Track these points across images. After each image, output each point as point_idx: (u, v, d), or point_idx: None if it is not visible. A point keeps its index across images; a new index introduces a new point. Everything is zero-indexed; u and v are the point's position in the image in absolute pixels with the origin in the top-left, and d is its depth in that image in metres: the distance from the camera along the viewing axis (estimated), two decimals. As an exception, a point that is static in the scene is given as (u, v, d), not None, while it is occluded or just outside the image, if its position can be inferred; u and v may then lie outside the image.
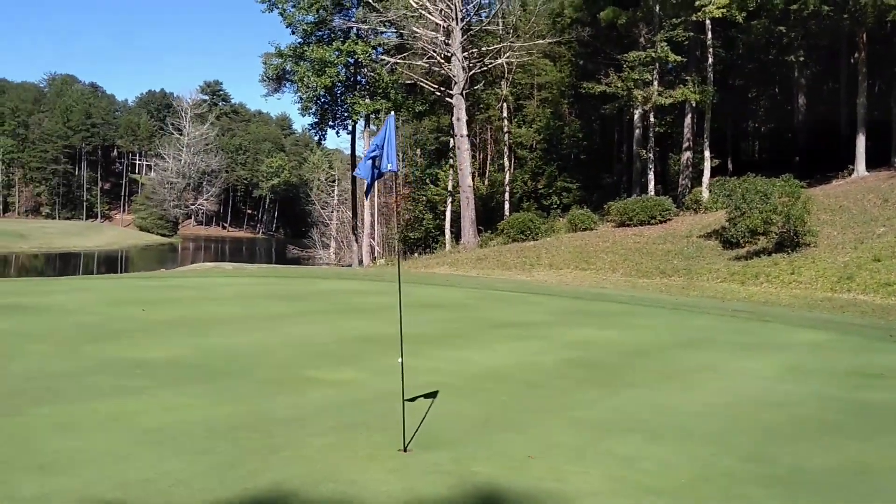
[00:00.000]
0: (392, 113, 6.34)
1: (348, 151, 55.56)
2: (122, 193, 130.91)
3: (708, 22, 37.72)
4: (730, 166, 46.22)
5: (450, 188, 48.85)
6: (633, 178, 44.26)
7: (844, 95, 41.84)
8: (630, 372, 9.85)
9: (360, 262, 47.60)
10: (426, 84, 44.54)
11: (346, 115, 47.92)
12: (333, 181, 75.62)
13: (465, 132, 41.96)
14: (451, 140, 46.68)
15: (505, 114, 51.58)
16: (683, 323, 15.87)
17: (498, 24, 44.55)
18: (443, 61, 42.44)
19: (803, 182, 32.41)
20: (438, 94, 44.51)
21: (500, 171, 53.15)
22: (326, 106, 48.40)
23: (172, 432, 6.22)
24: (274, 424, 6.58)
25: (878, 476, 5.85)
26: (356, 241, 50.54)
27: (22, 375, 8.21)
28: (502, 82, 49.71)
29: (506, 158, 51.96)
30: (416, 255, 46.05)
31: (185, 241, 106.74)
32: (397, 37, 45.45)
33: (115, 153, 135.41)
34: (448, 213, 48.77)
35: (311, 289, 20.66)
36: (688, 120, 41.49)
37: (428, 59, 42.97)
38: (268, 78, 48.62)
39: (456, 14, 41.29)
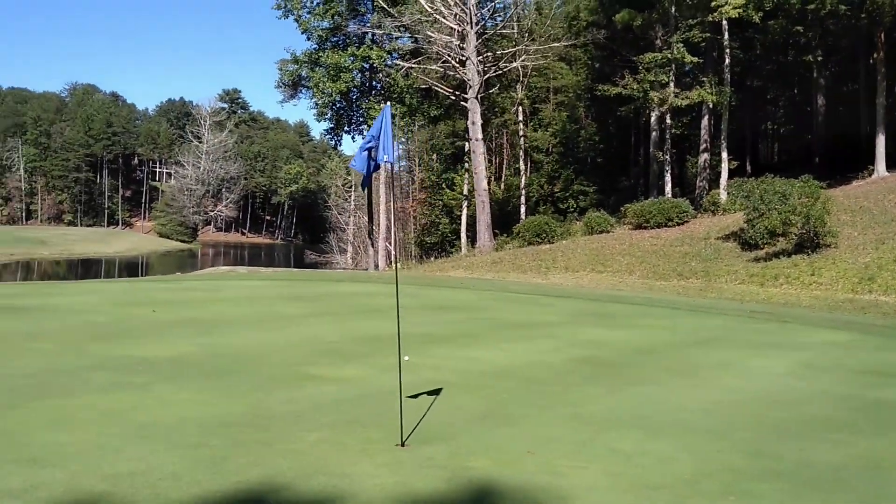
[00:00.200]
0: (387, 103, 6.22)
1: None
2: (143, 200, 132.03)
3: (724, 22, 37.39)
4: (748, 168, 45.79)
5: (465, 192, 48.77)
6: (650, 181, 43.95)
7: (864, 96, 41.34)
8: (638, 370, 9.68)
9: (377, 266, 47.59)
10: (441, 88, 44.51)
11: (361, 120, 48.00)
12: (350, 187, 75.84)
13: (480, 136, 41.85)
14: (467, 144, 46.58)
15: (520, 117, 51.43)
16: (698, 323, 15.66)
17: (513, 28, 44.43)
18: (458, 65, 42.39)
19: (823, 183, 32.01)
20: (453, 98, 44.46)
21: (516, 175, 52.98)
22: (342, 111, 48.51)
23: (166, 427, 6.15)
24: (270, 420, 6.50)
25: (889, 472, 5.67)
26: (372, 245, 50.54)
27: (23, 372, 8.19)
28: (517, 86, 49.58)
29: (521, 162, 51.81)
30: (432, 259, 45.98)
31: (205, 247, 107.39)
32: (412, 41, 45.48)
33: (136, 161, 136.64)
34: (464, 217, 48.67)
35: (323, 291, 20.63)
36: (705, 121, 41.13)
37: (443, 63, 42.93)
38: (283, 84, 48.84)
39: (471, 18, 41.24)
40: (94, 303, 15.24)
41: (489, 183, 46.34)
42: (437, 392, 7.68)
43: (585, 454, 5.79)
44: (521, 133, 51.69)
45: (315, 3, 45.53)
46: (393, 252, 52.51)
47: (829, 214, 27.10)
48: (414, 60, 44.26)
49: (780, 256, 27.21)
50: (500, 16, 46.76)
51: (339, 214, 73.72)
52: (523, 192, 50.08)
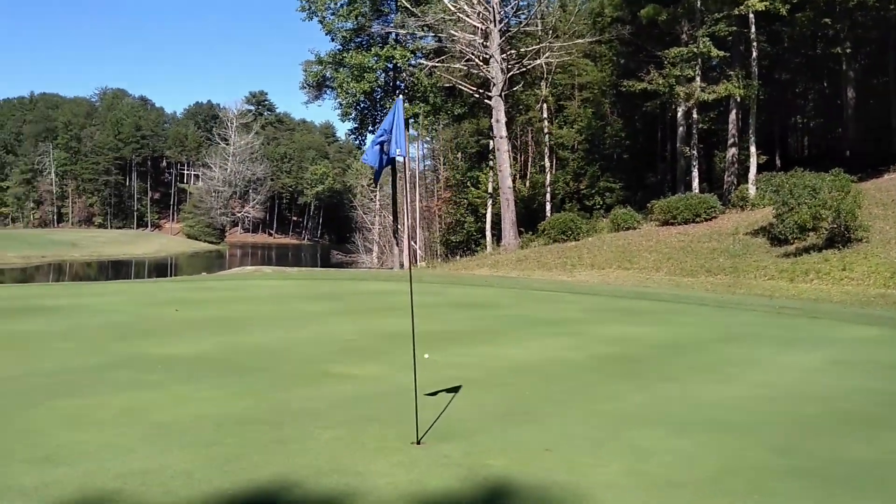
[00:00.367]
0: (400, 96, 6.09)
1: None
2: (171, 203, 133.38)
3: (751, 15, 36.85)
4: (777, 162, 45.11)
5: (490, 190, 48.59)
6: (678, 177, 43.44)
7: (894, 88, 40.50)
8: (663, 366, 9.49)
9: (401, 265, 47.58)
10: (465, 87, 44.36)
11: (385, 119, 47.96)
12: (376, 187, 75.96)
13: (504, 134, 41.66)
14: (491, 142, 46.39)
15: (545, 115, 51.13)
16: (726, 319, 15.38)
17: (537, 25, 44.14)
18: (481, 64, 42.22)
19: (853, 176, 31.45)
20: (477, 96, 44.28)
21: (542, 173, 52.67)
22: (366, 111, 48.55)
23: (181, 426, 6.10)
24: (286, 418, 6.42)
25: (923, 470, 5.45)
26: (397, 244, 50.54)
27: (44, 371, 8.20)
28: (542, 83, 49.30)
29: (547, 160, 51.50)
30: (457, 257, 45.84)
31: (233, 247, 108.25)
32: (436, 41, 45.39)
33: (164, 163, 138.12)
34: (489, 216, 48.49)
35: (345, 289, 20.60)
36: (732, 116, 40.57)
37: (466, 61, 42.78)
38: (308, 85, 49.02)
39: (494, 16, 41.05)
40: (119, 303, 15.33)
41: (514, 181, 46.11)
42: (456, 389, 7.56)
43: (606, 451, 5.63)
44: (545, 130, 51.39)
45: (339, 4, 45.60)
46: (412, 249, 52.46)
47: (860, 208, 26.58)
48: (437, 59, 44.16)
49: (810, 251, 26.73)
50: (523, 13, 46.55)
51: (365, 214, 73.87)
52: (548, 189, 49.77)
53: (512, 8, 44.75)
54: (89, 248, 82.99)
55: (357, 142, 53.12)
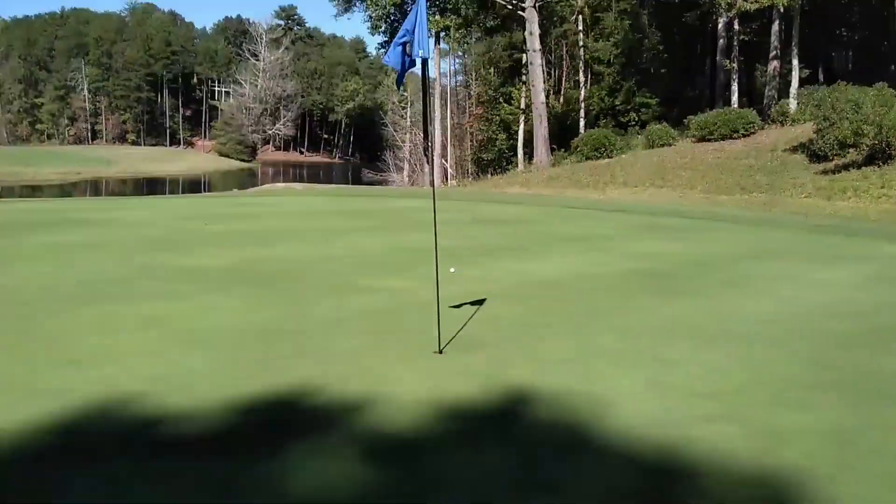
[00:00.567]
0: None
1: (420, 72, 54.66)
2: (203, 120, 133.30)
3: (799, -81, 35.00)
4: (820, 77, 43.57)
5: (523, 106, 47.70)
6: (717, 92, 42.23)
7: (950, -3, 38.54)
8: (693, 282, 9.35)
9: (432, 184, 47.33)
10: (498, -3, 43.06)
11: (416, 32, 46.93)
12: (407, 104, 75.06)
13: (537, 47, 40.58)
14: (524, 56, 45.27)
15: (580, 27, 49.60)
16: (760, 236, 15.10)
17: (573, -69, 42.42)
18: (515, -27, 40.87)
19: (899, 91, 30.23)
20: (510, 7, 42.97)
21: (576, 88, 51.43)
22: (396, 24, 47.47)
23: (207, 333, 6.16)
24: (310, 327, 6.45)
25: (957, 384, 5.32)
26: (428, 162, 50.20)
27: (74, 281, 8.31)
28: (577, -7, 47.67)
29: (581, 74, 50.22)
30: (488, 175, 45.43)
31: (264, 165, 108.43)
32: (468, -52, 43.90)
33: (195, 80, 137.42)
34: (521, 133, 47.74)
35: (374, 206, 20.56)
36: (775, 27, 39.00)
37: (499, -29, 41.42)
38: (338, -4, 47.98)
39: (528, -79, 39.48)
40: (149, 217, 15.45)
41: (547, 97, 45.14)
42: (480, 303, 7.52)
43: (630, 363, 5.58)
44: (580, 43, 49.92)
45: None
46: (443, 167, 52.06)
47: (904, 124, 25.63)
48: (469, -32, 42.80)
49: (849, 168, 25.97)
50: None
51: (395, 132, 73.24)
52: (583, 105, 48.69)
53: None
54: (123, 164, 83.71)
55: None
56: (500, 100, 53.76)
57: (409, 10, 6.02)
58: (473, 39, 53.94)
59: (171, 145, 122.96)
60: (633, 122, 46.15)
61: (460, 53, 64.95)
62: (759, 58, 46.23)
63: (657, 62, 50.05)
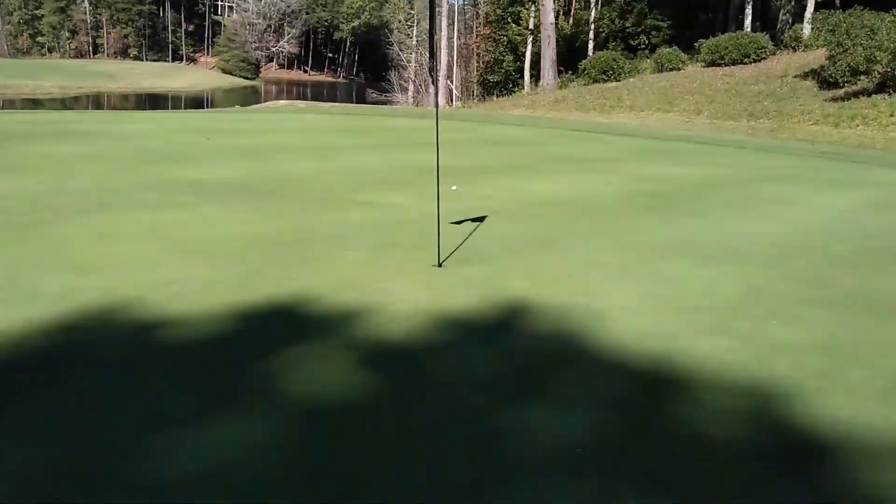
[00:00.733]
0: None
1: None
2: (206, 35, 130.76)
3: None
4: (837, 1, 42.44)
5: (531, 27, 46.69)
6: (730, 15, 41.27)
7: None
8: (695, 203, 9.32)
9: (436, 100, 46.74)
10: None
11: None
12: (413, 23, 73.49)
13: (548, -36, 39.51)
14: (534, -26, 44.11)
15: (593, -56, 48.16)
16: (765, 162, 14.98)
17: None
18: None
19: (918, 17, 29.48)
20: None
21: (586, 9, 50.25)
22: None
23: (207, 242, 6.17)
24: (311, 239, 6.46)
25: (952, 306, 5.35)
26: (433, 82, 49.49)
27: (74, 190, 8.30)
28: None
29: (592, -6, 48.97)
30: (494, 97, 44.82)
31: (268, 84, 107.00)
32: None
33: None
34: (528, 54, 46.90)
35: (378, 125, 20.36)
36: (794, -52, 37.84)
37: None
38: None
39: None
40: (152, 130, 15.32)
41: (557, 18, 44.16)
42: (481, 219, 7.50)
43: (628, 278, 5.60)
44: (592, -38, 48.56)
45: None
46: (448, 88, 51.33)
47: (919, 51, 25.10)
48: None
49: (859, 96, 25.58)
50: None
51: (401, 52, 71.94)
52: (592, 27, 47.66)
53: None
54: (126, 80, 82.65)
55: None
56: (509, 20, 52.56)
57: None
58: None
59: (173, 61, 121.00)
60: (644, 46, 45.25)
61: (469, -30, 63.23)
62: (776, -20, 44.96)
63: (670, -18, 48.68)
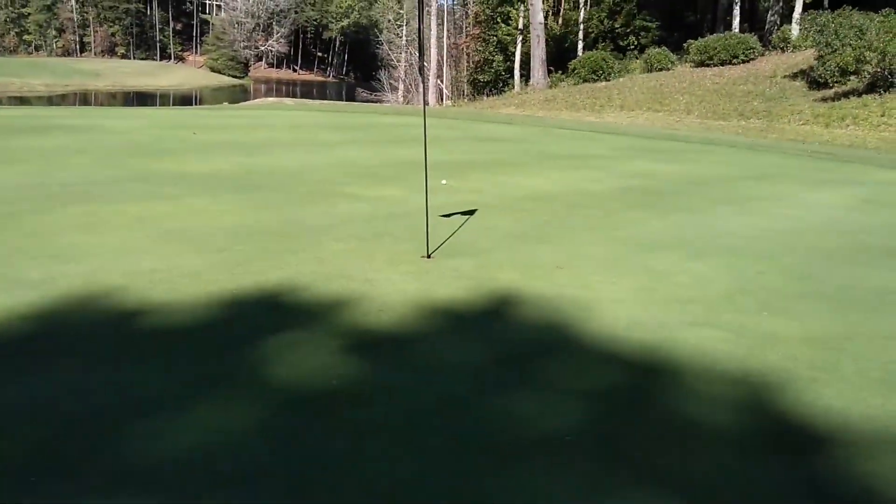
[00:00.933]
0: None
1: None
2: (194, 34, 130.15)
3: None
4: (825, 2, 42.61)
5: (521, 27, 46.68)
6: (718, 16, 41.40)
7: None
8: (686, 199, 9.29)
9: (427, 104, 46.67)
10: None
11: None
12: (402, 23, 73.41)
13: (537, -36, 39.49)
14: (524, -26, 44.08)
15: (582, -55, 48.18)
16: (755, 160, 14.98)
17: None
18: None
19: (905, 18, 29.62)
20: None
21: (575, 10, 50.27)
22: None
23: (193, 233, 6.08)
24: (299, 231, 6.38)
25: (943, 299, 5.32)
26: (423, 81, 49.45)
27: (60, 182, 8.18)
28: None
29: (581, -5, 49.00)
30: (484, 97, 44.76)
31: (257, 82, 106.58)
32: None
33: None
34: (518, 54, 46.87)
35: (367, 121, 20.26)
36: (782, -51, 37.97)
37: None
38: None
39: None
40: (138, 126, 15.18)
41: (546, 18, 44.16)
42: (471, 213, 7.43)
43: (618, 271, 5.55)
44: (581, -38, 48.59)
45: None
46: (438, 88, 51.26)
47: (908, 52, 25.20)
48: None
49: (849, 96, 25.67)
50: None
51: (391, 51, 71.83)
52: (581, 27, 47.68)
53: None
54: (113, 78, 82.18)
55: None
56: (498, 20, 52.55)
57: None
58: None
59: (161, 60, 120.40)
60: (633, 46, 45.30)
61: (459, -30, 63.19)
62: (764, -18, 45.13)
63: (659, -16, 48.82)
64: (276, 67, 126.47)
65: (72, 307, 4.22)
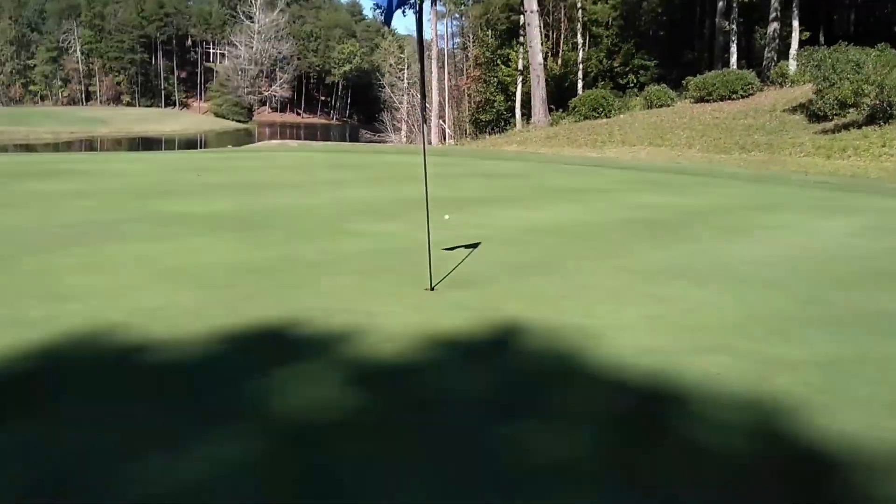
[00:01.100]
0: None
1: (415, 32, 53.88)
2: (198, 82, 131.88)
3: None
4: (821, 39, 43.03)
5: (520, 68, 47.19)
6: (715, 54, 41.76)
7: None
8: (690, 229, 9.24)
9: (429, 143, 47.00)
10: (496, -45, 42.34)
11: (412, -9, 46.23)
12: (404, 66, 74.28)
13: (535, 7, 40.02)
14: (522, 17, 44.67)
15: (579, -13, 48.90)
16: (759, 191, 14.96)
17: None
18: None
19: (901, 51, 29.86)
20: (509, -35, 42.33)
21: (574, 51, 50.84)
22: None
23: (194, 271, 6.05)
24: (300, 267, 6.34)
25: (954, 322, 5.24)
26: (424, 121, 49.79)
27: (62, 224, 8.19)
28: (577, -48, 46.90)
29: (580, 36, 49.61)
30: (486, 136, 45.06)
31: (261, 126, 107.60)
32: None
33: (189, 42, 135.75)
34: (518, 94, 47.33)
35: (370, 161, 20.35)
36: (777, -13, 38.43)
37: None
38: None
39: None
40: (142, 169, 15.27)
41: (545, 59, 44.65)
42: (474, 246, 7.41)
43: (623, 299, 5.49)
44: (578, 6, 49.28)
45: None
46: (441, 128, 51.63)
47: (905, 84, 25.34)
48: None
49: (849, 128, 25.75)
50: None
51: (393, 94, 72.55)
52: (581, 67, 48.18)
53: None
54: (118, 124, 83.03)
55: (383, 16, 51.41)
56: (498, 62, 53.18)
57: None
58: (471, 1, 53.13)
59: (166, 107, 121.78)
60: (632, 84, 45.70)
61: (457, 15, 64.12)
62: (759, 20, 45.65)
63: (655, 25, 49.51)
64: (280, 111, 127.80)
65: (73, 345, 4.17)
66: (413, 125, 60.84)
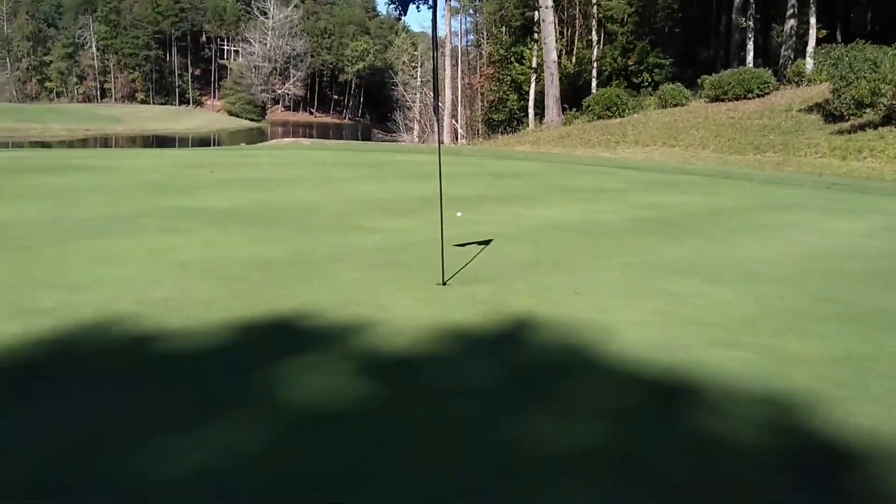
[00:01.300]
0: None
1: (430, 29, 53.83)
2: (212, 79, 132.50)
3: None
4: (838, 37, 42.71)
5: (534, 65, 47.13)
6: (731, 52, 41.56)
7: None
8: (703, 227, 9.20)
9: (442, 142, 46.95)
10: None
11: (426, -12, 46.22)
12: (417, 64, 74.41)
13: (550, 3, 39.96)
14: (536, 13, 44.60)
15: (594, -15, 48.78)
16: (772, 191, 14.88)
17: None
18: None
19: (919, 50, 29.61)
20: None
21: (588, 48, 50.74)
22: (407, -20, 46.80)
23: (207, 263, 6.06)
24: (312, 261, 6.34)
25: (972, 321, 5.18)
26: (437, 121, 49.75)
27: (76, 218, 8.22)
28: (592, -50, 46.80)
29: (594, 34, 49.50)
30: (499, 135, 45.02)
31: (274, 125, 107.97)
32: None
33: (204, 38, 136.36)
34: (532, 93, 47.27)
35: (383, 159, 20.38)
36: (793, -15, 38.24)
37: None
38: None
39: None
40: (156, 165, 15.34)
41: (559, 57, 44.55)
42: (486, 242, 7.39)
43: (636, 295, 5.46)
44: (594, 2, 49.15)
45: None
46: (453, 127, 51.60)
47: (923, 83, 25.13)
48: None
49: (865, 129, 25.58)
50: None
51: (406, 92, 72.63)
52: (595, 65, 48.07)
53: None
54: (133, 122, 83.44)
55: (397, 12, 51.59)
56: (512, 59, 53.14)
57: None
58: (485, -2, 53.11)
59: (180, 104, 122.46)
60: (646, 83, 45.58)
61: (471, 12, 64.12)
62: (776, 17, 45.43)
63: (671, 21, 49.33)
64: (293, 110, 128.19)
65: (84, 333, 4.18)
66: (426, 124, 60.89)
